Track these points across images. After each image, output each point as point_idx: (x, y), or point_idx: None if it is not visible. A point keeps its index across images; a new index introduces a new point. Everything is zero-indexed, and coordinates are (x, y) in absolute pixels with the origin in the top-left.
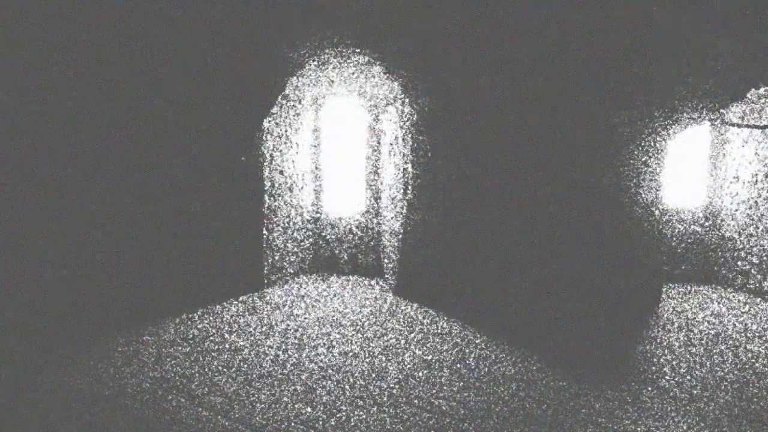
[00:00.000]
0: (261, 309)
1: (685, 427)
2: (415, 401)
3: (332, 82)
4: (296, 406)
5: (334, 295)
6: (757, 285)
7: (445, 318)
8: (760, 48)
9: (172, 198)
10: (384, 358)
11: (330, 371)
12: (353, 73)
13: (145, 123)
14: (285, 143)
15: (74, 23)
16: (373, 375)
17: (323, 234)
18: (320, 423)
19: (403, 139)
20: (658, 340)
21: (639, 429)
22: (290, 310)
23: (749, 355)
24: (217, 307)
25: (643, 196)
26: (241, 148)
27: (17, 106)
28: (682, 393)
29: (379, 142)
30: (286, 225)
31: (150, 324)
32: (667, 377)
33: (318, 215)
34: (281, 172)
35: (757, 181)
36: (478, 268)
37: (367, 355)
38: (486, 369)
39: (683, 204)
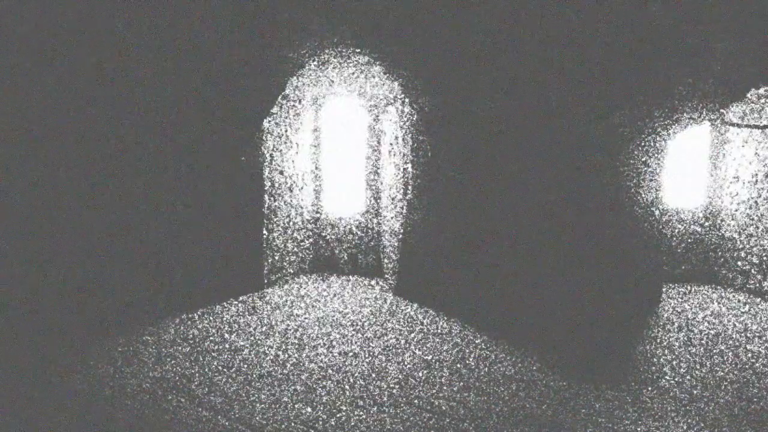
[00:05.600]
0: (261, 309)
1: (685, 427)
2: (415, 401)
3: (332, 82)
4: (296, 406)
5: (334, 295)
6: (757, 285)
7: (445, 318)
8: (760, 48)
9: (172, 198)
10: (384, 358)
11: (330, 371)
12: (353, 73)
13: (145, 123)
14: (285, 143)
15: (74, 23)
16: (373, 375)
17: (323, 234)
18: (320, 423)
19: (403, 139)
20: (658, 340)
21: (639, 429)
22: (290, 310)
23: (749, 355)
24: (217, 307)
25: (643, 196)
26: (241, 148)
27: (17, 106)
28: (682, 393)
29: (379, 142)
30: (286, 225)
31: (150, 324)
32: (667, 377)
33: (318, 215)
34: (281, 172)
35: (757, 181)
36: (478, 268)
37: (367, 355)
38: (486, 369)
39: (683, 204)
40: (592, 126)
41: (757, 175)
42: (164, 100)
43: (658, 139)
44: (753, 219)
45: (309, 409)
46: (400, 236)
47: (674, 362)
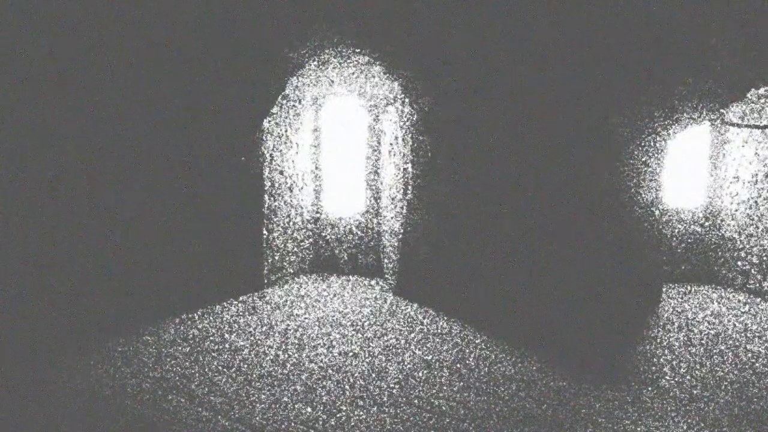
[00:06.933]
0: (261, 309)
1: (685, 427)
2: (415, 401)
3: (332, 82)
4: (296, 406)
5: (334, 295)
6: (757, 285)
7: (445, 318)
8: (760, 48)
9: (173, 198)
10: (384, 358)
11: (330, 371)
12: (353, 73)
13: (145, 123)
14: (285, 143)
15: (75, 23)
16: (373, 375)
17: (323, 234)
18: (320, 423)
19: (403, 139)
20: (658, 340)
21: (639, 429)
22: (290, 310)
23: (749, 355)
24: (217, 307)
25: (643, 196)
26: (241, 148)
27: (17, 106)
28: (682, 393)
29: (379, 142)
30: (286, 225)
31: (150, 324)
32: (667, 377)
33: (318, 215)
34: (281, 172)
35: (757, 181)
36: (477, 268)
37: (367, 355)
38: (486, 369)
39: (683, 204)
40: (592, 126)
41: (757, 175)
42: (164, 100)
43: (658, 139)
44: (753, 219)
45: (309, 409)
46: (400, 236)
47: (674, 362)
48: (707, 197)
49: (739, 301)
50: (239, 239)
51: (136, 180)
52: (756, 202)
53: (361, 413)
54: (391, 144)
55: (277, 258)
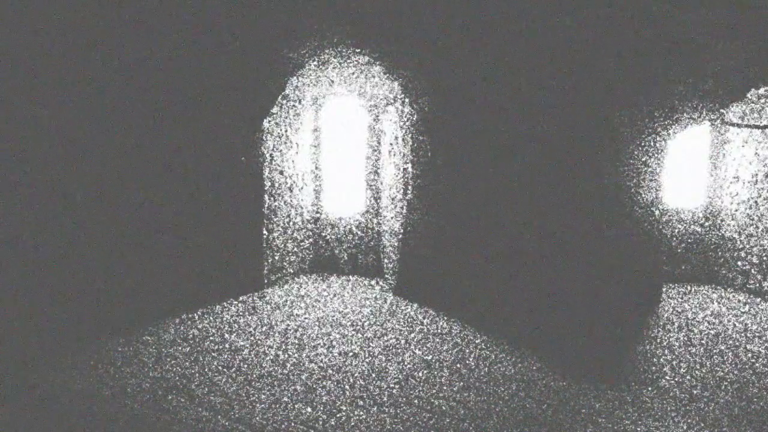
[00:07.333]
0: (261, 309)
1: (685, 427)
2: (415, 401)
3: (332, 82)
4: (296, 406)
5: (334, 295)
6: (757, 285)
7: (445, 318)
8: (760, 48)
9: (172, 198)
10: (384, 358)
11: (330, 371)
12: (353, 73)
13: (146, 123)
14: (285, 143)
15: (74, 23)
16: (373, 375)
17: (323, 234)
18: (320, 423)
19: (403, 139)
20: (658, 340)
21: (639, 429)
22: (290, 310)
23: (749, 355)
24: (217, 307)
25: (643, 196)
26: (241, 148)
27: (16, 106)
28: (682, 393)
29: (379, 142)
30: (286, 225)
31: (150, 324)
32: (667, 377)
33: (318, 215)
34: (281, 172)
35: (757, 181)
36: (478, 269)
37: (367, 355)
38: (486, 369)
39: (683, 204)
40: (593, 126)
41: (757, 175)
42: (164, 100)
43: (658, 139)
44: (753, 219)
45: (309, 409)
46: (400, 236)
47: (674, 362)
48: (707, 197)
49: (739, 301)
50: (239, 239)
51: (136, 180)
52: (756, 202)
53: (361, 413)
54: (391, 144)
55: (277, 258)
